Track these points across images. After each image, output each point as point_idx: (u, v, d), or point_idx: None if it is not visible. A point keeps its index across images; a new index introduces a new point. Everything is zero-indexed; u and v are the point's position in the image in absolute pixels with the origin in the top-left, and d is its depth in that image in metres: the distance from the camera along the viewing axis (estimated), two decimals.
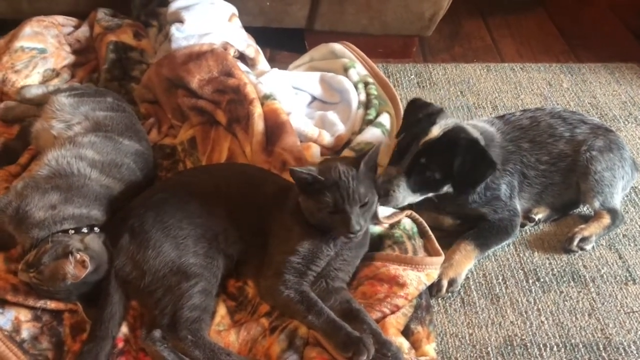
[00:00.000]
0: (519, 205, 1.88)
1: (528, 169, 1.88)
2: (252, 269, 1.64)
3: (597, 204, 1.88)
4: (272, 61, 2.57)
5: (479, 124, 1.90)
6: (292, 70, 2.52)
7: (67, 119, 1.88)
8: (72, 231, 1.59)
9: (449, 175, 1.70)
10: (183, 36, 2.24)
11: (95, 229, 1.62)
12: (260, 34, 2.54)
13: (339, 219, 1.48)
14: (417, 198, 1.76)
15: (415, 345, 1.52)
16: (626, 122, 2.42)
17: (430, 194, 1.77)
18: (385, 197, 1.70)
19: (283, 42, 2.80)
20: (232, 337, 1.53)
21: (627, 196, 2.04)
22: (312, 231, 1.54)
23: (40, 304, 1.54)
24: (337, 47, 2.53)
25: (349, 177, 1.47)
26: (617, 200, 1.91)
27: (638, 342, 1.61)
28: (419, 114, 1.80)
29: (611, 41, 3.04)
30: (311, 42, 2.70)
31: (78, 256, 1.49)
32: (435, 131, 1.71)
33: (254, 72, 2.30)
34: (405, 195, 1.72)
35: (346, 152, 2.06)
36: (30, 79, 2.23)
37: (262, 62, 2.41)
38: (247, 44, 2.37)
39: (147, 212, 1.60)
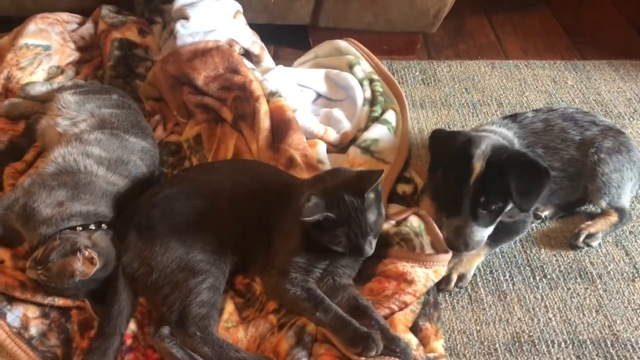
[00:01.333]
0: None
1: None
2: (259, 266, 1.64)
3: (604, 204, 1.87)
4: (276, 58, 2.56)
5: (501, 131, 1.85)
6: (296, 67, 2.51)
7: (73, 116, 1.88)
8: (80, 228, 1.58)
9: (510, 197, 1.65)
10: (188, 33, 2.23)
11: (103, 225, 1.62)
12: (264, 31, 2.53)
13: (351, 249, 1.50)
14: (491, 229, 1.70)
15: (424, 342, 1.52)
16: (631, 119, 2.42)
17: (500, 218, 1.72)
18: (465, 249, 1.66)
19: (287, 39, 2.79)
20: (241, 334, 1.53)
21: None
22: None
23: (48, 300, 1.54)
24: (342, 43, 2.53)
25: (358, 212, 1.47)
26: (625, 201, 1.90)
27: None
28: (449, 150, 1.69)
29: (615, 38, 3.03)
30: (315, 39, 2.70)
31: (86, 253, 1.49)
32: (478, 164, 1.63)
33: (259, 69, 2.30)
34: (482, 235, 1.67)
35: (352, 150, 2.06)
36: (35, 76, 2.23)
37: (267, 59, 2.41)
38: (252, 40, 2.36)
39: (154, 209, 1.60)
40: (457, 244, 1.65)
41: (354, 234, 1.47)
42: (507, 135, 1.84)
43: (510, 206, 1.68)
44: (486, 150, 1.65)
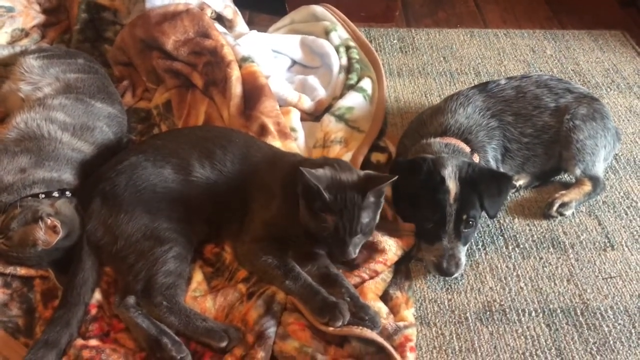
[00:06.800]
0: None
1: (511, 143, 1.86)
2: (232, 232, 1.61)
3: (578, 172, 1.87)
4: (251, 24, 2.50)
5: (461, 119, 1.81)
6: (272, 33, 2.45)
7: (36, 81, 1.83)
8: (43, 195, 1.54)
9: (482, 207, 1.65)
10: None
11: (67, 193, 1.58)
12: None
13: (335, 243, 1.46)
14: (467, 246, 1.69)
15: (394, 311, 1.51)
16: (609, 90, 2.41)
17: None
18: (456, 271, 1.61)
19: (262, 4, 2.72)
20: (209, 303, 1.50)
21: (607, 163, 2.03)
22: (294, 202, 1.51)
23: (9, 270, 1.51)
24: (319, 9, 2.47)
25: (355, 207, 1.43)
26: (599, 169, 1.90)
27: (615, 307, 1.62)
28: (415, 177, 1.63)
29: (595, 8, 3.00)
30: (292, 4, 2.63)
31: (49, 221, 1.45)
32: (453, 184, 1.60)
33: (232, 34, 2.24)
34: (465, 253, 1.65)
35: (326, 118, 2.02)
36: None
37: (241, 24, 2.34)
38: (224, 4, 2.30)
39: (119, 176, 1.55)
40: (450, 267, 1.60)
41: (342, 226, 1.43)
42: (463, 124, 1.81)
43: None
44: (454, 169, 1.62)
